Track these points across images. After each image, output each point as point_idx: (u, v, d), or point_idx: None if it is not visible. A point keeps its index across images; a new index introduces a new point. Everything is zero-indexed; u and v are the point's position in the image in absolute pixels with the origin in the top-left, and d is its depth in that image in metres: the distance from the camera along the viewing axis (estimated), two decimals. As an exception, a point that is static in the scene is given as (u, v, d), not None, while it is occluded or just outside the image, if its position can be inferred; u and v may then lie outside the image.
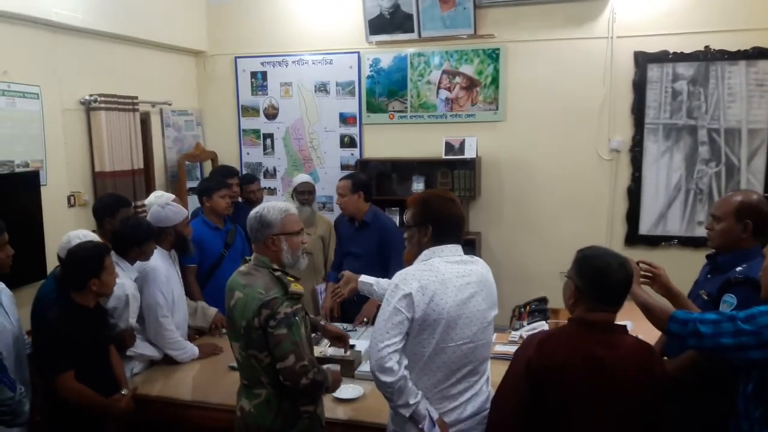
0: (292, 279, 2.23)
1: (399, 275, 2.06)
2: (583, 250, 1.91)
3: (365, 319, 3.56)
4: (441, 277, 2.02)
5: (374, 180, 5.01)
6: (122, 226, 3.00)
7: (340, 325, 3.52)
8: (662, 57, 4.54)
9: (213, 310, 3.46)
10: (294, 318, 2.15)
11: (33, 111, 3.79)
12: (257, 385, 2.23)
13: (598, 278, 1.82)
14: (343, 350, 2.82)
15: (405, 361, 2.01)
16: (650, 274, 2.30)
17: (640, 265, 2.28)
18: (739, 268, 2.19)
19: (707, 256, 2.44)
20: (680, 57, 4.50)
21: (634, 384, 1.79)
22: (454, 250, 2.11)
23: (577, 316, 1.88)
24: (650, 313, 2.00)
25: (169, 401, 2.77)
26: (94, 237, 2.81)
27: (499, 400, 1.91)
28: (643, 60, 4.58)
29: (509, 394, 1.87)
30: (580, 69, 4.71)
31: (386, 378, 1.96)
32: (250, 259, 2.34)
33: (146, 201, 3.50)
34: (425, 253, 2.10)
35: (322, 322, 2.73)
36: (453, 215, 2.13)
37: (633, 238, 4.75)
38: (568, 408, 1.80)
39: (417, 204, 2.16)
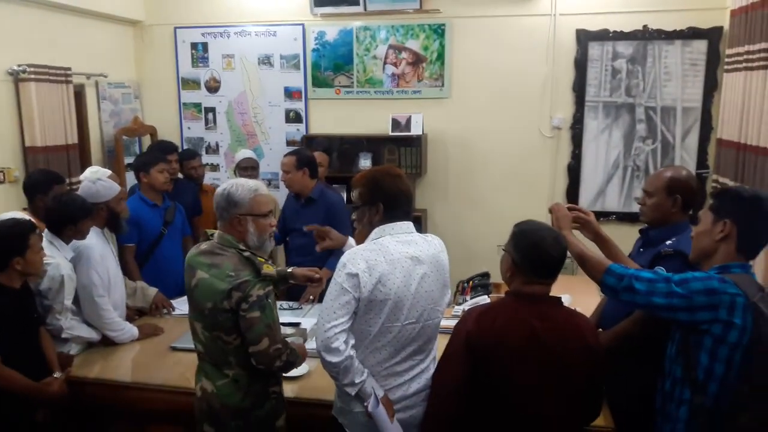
0: (263, 260, 2.18)
1: (348, 254, 2.04)
2: (519, 224, 1.94)
3: (311, 297, 3.54)
4: (390, 257, 2.00)
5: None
6: (55, 203, 2.87)
7: (285, 304, 3.51)
8: (603, 35, 4.62)
9: (153, 290, 3.38)
10: (266, 300, 2.11)
11: (-46, 81, 3.58)
12: (224, 365, 2.19)
13: (533, 252, 1.87)
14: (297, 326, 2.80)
15: (352, 341, 2.00)
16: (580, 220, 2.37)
17: (571, 210, 2.34)
18: (668, 242, 2.27)
19: (640, 231, 2.53)
20: (620, 36, 4.59)
21: (569, 353, 1.85)
22: (405, 227, 2.09)
23: (513, 288, 1.92)
24: (585, 263, 2.05)
25: (107, 383, 2.69)
26: (26, 217, 2.69)
27: (440, 374, 1.95)
28: (584, 38, 4.65)
29: (450, 367, 1.90)
30: (523, 46, 4.75)
31: (332, 358, 1.96)
32: (212, 236, 2.25)
33: (81, 177, 3.37)
34: (376, 231, 2.08)
35: (289, 270, 2.69)
36: (401, 191, 2.11)
37: (573, 213, 4.86)
38: (506, 379, 1.85)
39: (365, 183, 2.13)
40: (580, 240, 2.19)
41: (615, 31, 4.59)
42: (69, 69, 4.34)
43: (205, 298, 2.14)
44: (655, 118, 4.65)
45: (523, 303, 1.87)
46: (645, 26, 4.53)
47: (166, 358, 2.86)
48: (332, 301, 1.98)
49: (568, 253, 1.99)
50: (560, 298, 1.92)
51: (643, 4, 4.52)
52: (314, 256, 3.71)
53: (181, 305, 3.42)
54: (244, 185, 2.22)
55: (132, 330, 3.03)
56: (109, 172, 3.19)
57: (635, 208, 4.67)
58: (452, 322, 2.88)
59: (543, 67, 4.74)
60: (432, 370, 2.14)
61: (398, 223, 2.08)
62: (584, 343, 1.88)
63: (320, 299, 3.45)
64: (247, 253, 2.17)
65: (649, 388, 2.13)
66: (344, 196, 4.78)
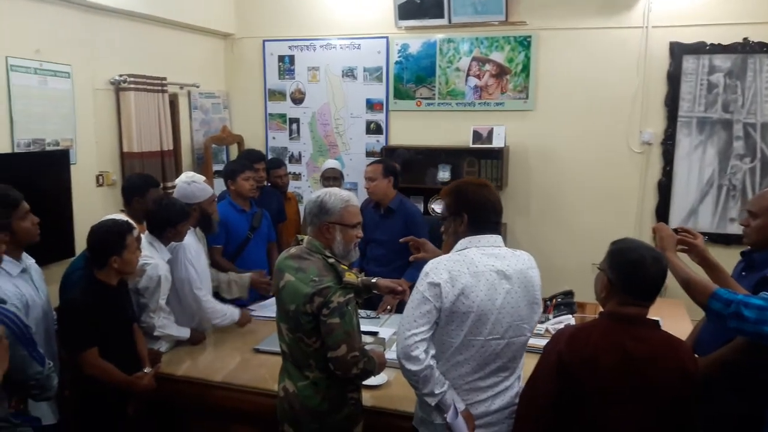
0: (346, 268, 2.21)
1: (431, 263, 2.02)
2: (616, 242, 1.86)
3: (388, 307, 3.55)
4: (474, 269, 1.97)
5: (400, 167, 4.97)
6: (157, 207, 3.01)
7: (363, 312, 3.52)
8: (699, 48, 4.42)
9: (246, 276, 3.48)
10: (347, 307, 2.14)
11: (64, 90, 3.82)
12: (305, 367, 2.23)
13: (632, 272, 1.78)
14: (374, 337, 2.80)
15: (432, 351, 1.98)
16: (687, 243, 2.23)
17: (678, 232, 2.21)
18: None
19: (742, 253, 2.38)
20: (717, 49, 4.37)
21: (665, 379, 1.76)
22: (492, 240, 2.05)
23: (608, 309, 1.84)
24: (690, 287, 1.94)
25: (192, 381, 2.79)
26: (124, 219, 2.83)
27: (529, 394, 1.88)
28: (678, 51, 4.46)
29: (539, 387, 1.84)
30: (613, 59, 4.61)
31: (412, 366, 1.95)
32: (301, 241, 2.32)
33: (176, 181, 3.54)
34: (461, 242, 2.05)
35: (374, 280, 2.72)
36: (488, 201, 2.07)
37: (662, 233, 4.65)
38: (597, 401, 1.77)
39: (450, 193, 2.12)
40: (686, 263, 2.08)
41: (712, 44, 4.38)
42: (164, 79, 4.56)
43: (290, 301, 2.18)
44: (755, 135, 4.39)
45: (617, 324, 1.79)
46: (745, 39, 4.30)
47: (250, 360, 2.93)
48: (413, 309, 1.98)
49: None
50: (658, 321, 1.83)
51: (743, 16, 4.29)
52: (391, 266, 3.74)
53: (264, 309, 3.51)
54: (336, 195, 2.26)
55: (233, 312, 3.17)
56: (202, 177, 3.33)
57: (730, 229, 4.46)
58: (535, 341, 2.82)
59: (633, 81, 4.58)
60: (516, 389, 2.09)
61: (485, 235, 2.05)
62: (682, 370, 1.78)
63: (398, 309, 3.47)
64: (331, 260, 2.20)
65: (750, 420, 2.00)
66: (421, 207, 4.78)
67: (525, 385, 1.92)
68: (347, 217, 2.25)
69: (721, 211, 4.54)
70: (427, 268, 2.01)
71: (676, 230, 2.23)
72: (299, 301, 2.14)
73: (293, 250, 2.31)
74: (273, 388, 2.61)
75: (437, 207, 5.02)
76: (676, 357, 1.79)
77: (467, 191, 2.09)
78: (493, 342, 1.99)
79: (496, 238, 2.07)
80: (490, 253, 2.02)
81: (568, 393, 1.78)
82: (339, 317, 2.11)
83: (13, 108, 3.48)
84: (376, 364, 2.27)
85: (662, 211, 4.66)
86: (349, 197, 2.29)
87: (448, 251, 2.11)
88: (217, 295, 3.35)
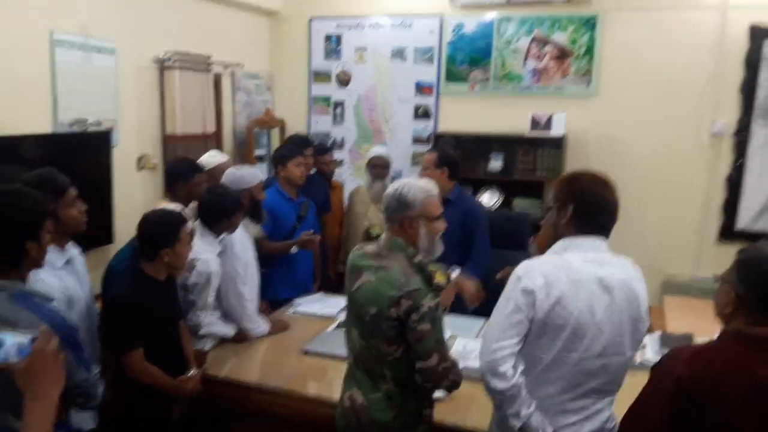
0: (434, 269, 2.01)
1: (524, 265, 1.79)
2: (747, 251, 1.60)
3: (443, 308, 3.32)
4: (573, 276, 1.73)
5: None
6: (211, 196, 2.80)
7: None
8: (782, 32, 4.07)
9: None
10: (437, 312, 1.93)
11: (108, 67, 3.65)
12: (377, 378, 2.02)
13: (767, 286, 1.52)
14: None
15: (521, 366, 1.76)
16: None
17: None
18: None
19: None
20: (803, 32, 4.03)
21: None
22: (596, 245, 1.80)
23: (734, 328, 1.58)
24: None
25: (236, 384, 2.59)
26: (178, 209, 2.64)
27: (635, 421, 1.63)
28: (759, 34, 4.12)
29: (648, 414, 1.58)
30: (685, 42, 4.28)
31: (498, 383, 1.73)
32: (375, 237, 2.12)
33: (200, 160, 3.38)
34: (560, 243, 1.81)
35: (454, 275, 2.52)
36: (602, 199, 1.81)
37: (729, 232, 4.34)
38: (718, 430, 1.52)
39: (562, 180, 1.89)
40: None
41: (797, 28, 4.03)
42: (209, 57, 4.37)
43: (369, 303, 1.97)
44: (841, 128, 4.04)
45: (747, 347, 1.54)
46: (835, 22, 3.95)
47: (298, 363, 2.73)
48: (503, 318, 1.75)
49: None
50: (793, 344, 1.57)
51: (833, -3, 3.93)
52: (447, 261, 3.50)
53: (309, 305, 3.33)
54: (415, 186, 2.05)
55: (264, 326, 2.96)
56: (226, 156, 3.19)
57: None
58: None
59: (706, 67, 4.24)
60: (608, 412, 1.85)
61: (589, 238, 1.80)
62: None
63: (452, 309, 3.24)
64: (417, 259, 1.99)
65: None
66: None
67: (628, 410, 1.68)
68: (430, 208, 2.05)
69: (797, 210, 4.22)
70: (519, 271, 1.78)
71: None
72: (383, 304, 1.93)
73: (369, 247, 2.10)
74: (320, 394, 2.44)
75: (486, 199, 4.76)
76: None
77: (581, 180, 1.85)
78: (588, 361, 1.75)
79: (601, 243, 1.82)
80: (591, 259, 1.78)
81: (683, 421, 1.54)
82: (430, 323, 1.90)
83: (57, 86, 3.32)
84: (462, 375, 2.05)
85: (729, 209, 4.36)
86: (429, 187, 2.08)
87: (542, 244, 1.89)
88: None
